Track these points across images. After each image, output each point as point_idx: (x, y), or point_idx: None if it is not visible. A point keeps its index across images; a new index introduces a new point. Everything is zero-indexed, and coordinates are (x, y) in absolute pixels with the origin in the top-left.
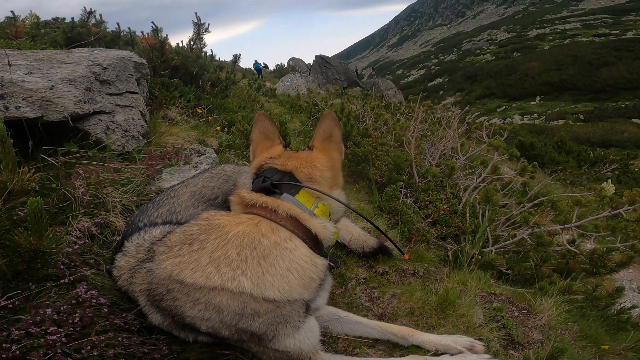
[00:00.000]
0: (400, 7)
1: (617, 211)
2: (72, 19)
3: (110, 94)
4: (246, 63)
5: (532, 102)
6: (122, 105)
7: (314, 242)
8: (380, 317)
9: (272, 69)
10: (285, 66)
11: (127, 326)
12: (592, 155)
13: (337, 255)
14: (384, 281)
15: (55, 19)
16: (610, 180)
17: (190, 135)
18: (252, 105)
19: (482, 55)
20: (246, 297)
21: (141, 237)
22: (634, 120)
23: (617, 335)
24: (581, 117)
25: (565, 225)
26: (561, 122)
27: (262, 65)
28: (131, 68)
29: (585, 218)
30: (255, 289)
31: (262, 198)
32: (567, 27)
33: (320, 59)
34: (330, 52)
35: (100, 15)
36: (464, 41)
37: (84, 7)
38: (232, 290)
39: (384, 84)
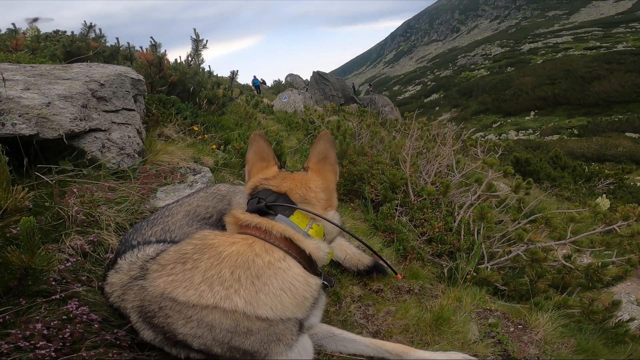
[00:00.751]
0: (396, 23)
1: (612, 227)
2: (72, 32)
3: (107, 111)
4: (244, 79)
5: (527, 118)
6: (119, 123)
7: (307, 262)
8: (375, 335)
9: (269, 85)
10: (283, 82)
11: (118, 342)
12: (587, 170)
13: (332, 273)
14: (378, 299)
15: (56, 32)
16: (605, 195)
17: (186, 153)
18: (249, 122)
19: (477, 71)
20: (239, 316)
21: (134, 255)
22: (627, 134)
23: (616, 348)
24: (575, 131)
25: (560, 242)
26: (556, 137)
27: (260, 81)
28: (128, 84)
29: (580, 234)
30: (248, 308)
31: (256, 219)
32: (559, 40)
33: (318, 75)
34: (327, 68)
35: (100, 29)
36: (459, 56)
37: (84, 21)
38: (224, 308)
39: (380, 101)
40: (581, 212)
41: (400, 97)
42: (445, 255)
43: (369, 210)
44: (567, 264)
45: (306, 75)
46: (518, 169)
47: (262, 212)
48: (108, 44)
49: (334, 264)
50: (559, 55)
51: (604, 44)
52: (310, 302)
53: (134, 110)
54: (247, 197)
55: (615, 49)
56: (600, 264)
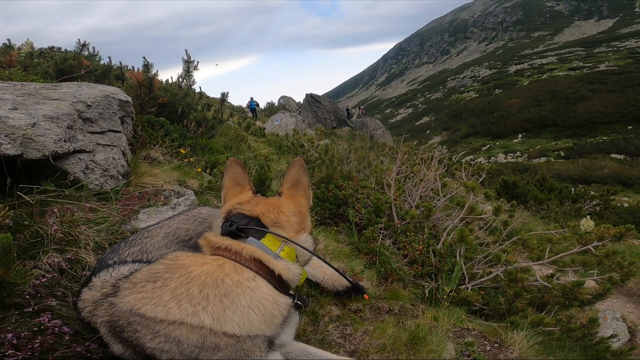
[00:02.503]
0: (389, 45)
1: (587, 247)
2: (65, 50)
3: (92, 132)
4: (237, 100)
5: (515, 140)
6: (104, 144)
7: (278, 282)
8: (352, 354)
9: (262, 107)
10: (276, 104)
11: (89, 354)
12: (573, 192)
13: (311, 294)
14: (357, 318)
15: (51, 48)
16: (589, 216)
17: (171, 176)
18: (239, 145)
19: (466, 93)
20: (206, 331)
21: (109, 273)
22: (612, 155)
23: None
24: (562, 153)
25: (539, 262)
26: (543, 159)
27: (255, 103)
28: (115, 106)
29: (560, 254)
30: (215, 324)
31: (227, 241)
32: (544, 61)
33: (311, 98)
34: (320, 90)
35: (94, 47)
36: (449, 79)
37: (78, 39)
38: (191, 324)
39: (372, 124)
40: (560, 233)
41: (392, 120)
42: (427, 276)
43: (353, 234)
44: (544, 283)
45: (299, 98)
46: (506, 192)
47: (234, 234)
48: (103, 62)
49: (314, 284)
50: (544, 76)
51: (586, 64)
52: (279, 320)
53: (120, 132)
54: (222, 221)
55: (598, 69)
56: (575, 282)
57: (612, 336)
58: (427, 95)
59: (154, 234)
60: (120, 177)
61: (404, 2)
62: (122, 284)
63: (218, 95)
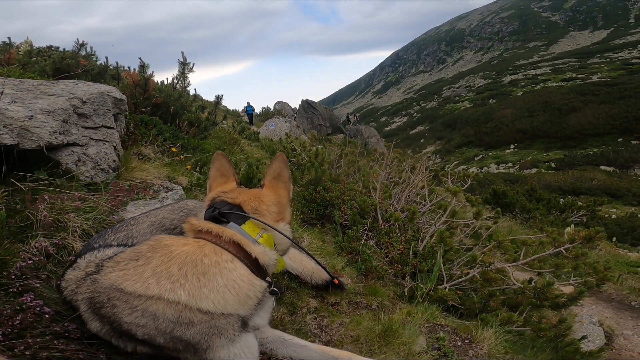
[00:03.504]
0: (386, 53)
1: (559, 249)
2: (64, 49)
3: (86, 127)
4: (233, 104)
5: (507, 151)
6: (97, 139)
7: (255, 266)
8: (327, 343)
9: (258, 112)
10: (272, 110)
11: (66, 334)
12: (561, 202)
13: (291, 286)
14: (334, 311)
15: (49, 47)
16: (572, 225)
17: (161, 172)
18: (231, 147)
19: (460, 103)
20: (181, 307)
21: (93, 255)
22: (602, 167)
23: None
24: (553, 165)
25: (514, 263)
26: (534, 170)
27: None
28: (110, 103)
29: (534, 255)
30: (191, 300)
31: (209, 225)
32: (538, 72)
33: (307, 104)
34: (317, 97)
35: (92, 47)
36: (444, 88)
37: (77, 39)
38: (168, 299)
39: (367, 131)
40: (537, 238)
41: (387, 129)
42: (408, 276)
43: (338, 234)
44: (517, 284)
45: (295, 103)
46: (495, 201)
47: (216, 219)
48: (100, 62)
49: (294, 277)
50: (538, 87)
51: (579, 75)
52: (253, 302)
53: (113, 128)
54: (206, 208)
55: (590, 80)
56: (546, 283)
57: (583, 337)
58: (423, 104)
59: (140, 221)
60: (111, 171)
61: (403, 10)
62: (106, 263)
63: (214, 98)
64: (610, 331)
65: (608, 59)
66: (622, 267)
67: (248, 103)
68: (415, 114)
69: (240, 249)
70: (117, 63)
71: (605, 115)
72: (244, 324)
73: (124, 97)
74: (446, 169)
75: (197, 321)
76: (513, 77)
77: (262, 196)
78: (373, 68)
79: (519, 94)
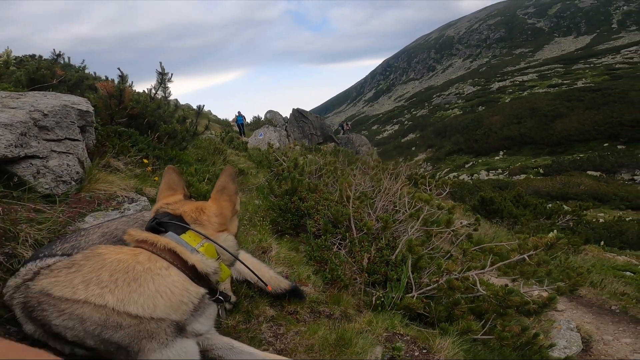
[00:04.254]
0: (377, 61)
1: (523, 256)
2: (39, 59)
3: (48, 140)
4: (224, 113)
5: (496, 157)
6: (59, 151)
7: (193, 273)
8: (280, 352)
9: (249, 121)
10: (262, 119)
11: (7, 336)
12: (547, 208)
13: (249, 294)
14: (292, 320)
15: (33, 56)
16: (555, 230)
17: (128, 183)
18: (214, 158)
19: (450, 110)
20: (109, 310)
21: (35, 264)
22: (589, 172)
23: None
24: (541, 171)
25: (481, 271)
26: (523, 176)
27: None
28: (74, 115)
29: (499, 263)
30: (119, 304)
31: (145, 234)
32: (525, 78)
33: (298, 113)
34: (309, 106)
35: (69, 57)
36: (434, 95)
37: (53, 49)
38: (95, 303)
39: (358, 140)
40: (511, 244)
41: (379, 137)
42: (378, 285)
43: (310, 243)
44: (482, 291)
45: (287, 112)
46: (483, 208)
47: (155, 229)
48: (89, 72)
49: (252, 285)
50: (525, 93)
51: (565, 81)
52: (188, 307)
53: (78, 140)
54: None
55: (575, 86)
56: (507, 289)
57: (551, 345)
58: (413, 112)
59: (90, 232)
60: (74, 183)
61: (394, 19)
62: (43, 270)
63: (205, 108)
64: (588, 337)
65: (592, 65)
66: (608, 271)
67: (239, 113)
68: (406, 122)
69: (177, 256)
70: (94, 73)
71: (590, 121)
72: (180, 329)
73: (91, 109)
74: (437, 177)
75: (126, 324)
76: (501, 83)
77: (205, 208)
78: (364, 76)
79: (506, 101)
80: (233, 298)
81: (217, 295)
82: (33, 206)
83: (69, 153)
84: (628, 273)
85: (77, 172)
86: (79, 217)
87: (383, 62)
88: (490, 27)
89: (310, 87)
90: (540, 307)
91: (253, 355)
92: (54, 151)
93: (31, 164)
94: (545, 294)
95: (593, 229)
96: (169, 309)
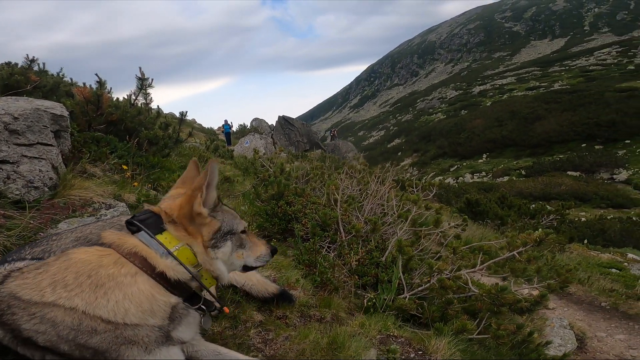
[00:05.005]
0: (362, 67)
1: (513, 253)
2: (13, 65)
3: (19, 144)
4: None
5: (480, 160)
6: (30, 157)
7: (163, 280)
8: (270, 358)
9: (234, 129)
10: (248, 126)
11: None
12: (531, 208)
13: (235, 299)
14: (281, 324)
15: (8, 64)
16: (540, 229)
17: (105, 190)
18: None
19: (434, 115)
20: (80, 314)
21: (3, 267)
22: (569, 172)
23: None
24: (523, 172)
25: (472, 270)
26: (506, 178)
27: (230, 125)
28: (47, 120)
29: (490, 261)
30: (88, 308)
31: (115, 235)
32: (504, 82)
33: (283, 120)
34: (295, 113)
35: (44, 63)
36: (418, 100)
37: (27, 55)
38: (64, 306)
39: (344, 146)
40: (499, 243)
41: (365, 143)
42: (369, 287)
43: (298, 247)
44: (475, 290)
45: (273, 120)
46: (470, 210)
47: (129, 229)
48: (67, 79)
49: (239, 289)
50: (505, 96)
51: (542, 84)
52: (162, 315)
53: (51, 145)
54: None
55: (552, 89)
56: (500, 287)
57: (547, 343)
58: (399, 117)
59: (63, 237)
60: (47, 189)
61: (377, 25)
62: (14, 273)
63: (190, 116)
64: (581, 334)
65: (567, 67)
66: (593, 269)
67: (225, 121)
68: (391, 127)
69: (145, 261)
70: (71, 79)
71: (568, 122)
72: (165, 335)
73: (65, 113)
74: (422, 180)
75: (101, 329)
76: (482, 87)
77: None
78: (349, 82)
79: (488, 104)
80: (218, 305)
81: (199, 304)
82: (2, 212)
83: (42, 158)
84: (614, 270)
85: (51, 178)
86: (51, 224)
87: (367, 68)
88: (470, 32)
89: (296, 95)
90: (532, 305)
91: None
92: (25, 156)
93: (1, 168)
94: (535, 292)
95: (576, 227)
96: (143, 314)
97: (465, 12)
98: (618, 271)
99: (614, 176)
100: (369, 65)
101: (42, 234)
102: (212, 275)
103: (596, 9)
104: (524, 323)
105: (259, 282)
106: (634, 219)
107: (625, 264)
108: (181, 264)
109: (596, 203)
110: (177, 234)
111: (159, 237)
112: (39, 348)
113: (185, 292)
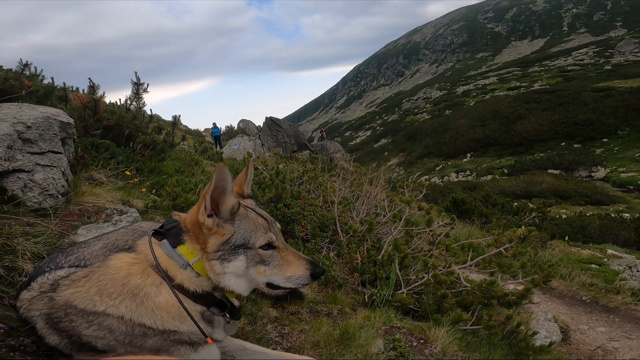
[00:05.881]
0: (348, 68)
1: (500, 249)
2: (7, 69)
3: (32, 153)
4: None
5: (465, 160)
6: (43, 165)
7: (184, 291)
8: (288, 350)
9: (222, 131)
10: (235, 128)
11: (22, 347)
12: (514, 206)
13: (250, 298)
14: (294, 319)
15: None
16: (523, 227)
17: (114, 196)
18: (192, 169)
19: (420, 115)
20: (129, 321)
21: (45, 277)
22: (549, 171)
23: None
24: (505, 171)
25: (463, 265)
26: (489, 177)
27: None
28: (56, 127)
29: (479, 257)
30: (134, 316)
31: (144, 244)
32: (486, 82)
33: (271, 121)
34: (282, 113)
35: (36, 68)
36: (404, 100)
37: (20, 59)
38: (113, 315)
39: (332, 147)
40: (486, 240)
41: (352, 143)
42: (369, 283)
43: (300, 248)
44: (467, 285)
45: (260, 121)
46: (456, 208)
47: (155, 238)
48: (48, 82)
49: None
50: (487, 96)
51: (522, 84)
52: (187, 322)
53: (60, 153)
54: None
55: (533, 88)
56: (489, 282)
57: (534, 333)
58: (385, 118)
59: (91, 244)
60: (60, 196)
61: (363, 25)
62: (62, 281)
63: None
64: (565, 326)
65: (547, 67)
66: (574, 264)
67: (214, 124)
68: (378, 128)
69: (166, 273)
70: (64, 84)
71: (548, 122)
72: (204, 337)
73: (71, 120)
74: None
75: (151, 334)
76: (465, 87)
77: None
78: (336, 83)
79: (471, 104)
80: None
81: (225, 311)
82: (26, 220)
83: (53, 166)
84: (593, 265)
85: (63, 186)
86: (71, 230)
87: (354, 68)
88: (454, 32)
89: (283, 96)
90: (518, 298)
91: (266, 354)
92: (39, 164)
93: (18, 177)
94: (520, 288)
95: (557, 224)
96: (174, 320)
97: (449, 12)
98: (598, 266)
99: (592, 174)
100: (355, 65)
101: (65, 240)
102: (225, 290)
103: (574, 10)
104: (512, 314)
105: None
106: (612, 215)
107: (605, 259)
108: (199, 276)
109: (576, 200)
110: (191, 244)
111: (181, 247)
112: (97, 351)
113: (209, 301)
